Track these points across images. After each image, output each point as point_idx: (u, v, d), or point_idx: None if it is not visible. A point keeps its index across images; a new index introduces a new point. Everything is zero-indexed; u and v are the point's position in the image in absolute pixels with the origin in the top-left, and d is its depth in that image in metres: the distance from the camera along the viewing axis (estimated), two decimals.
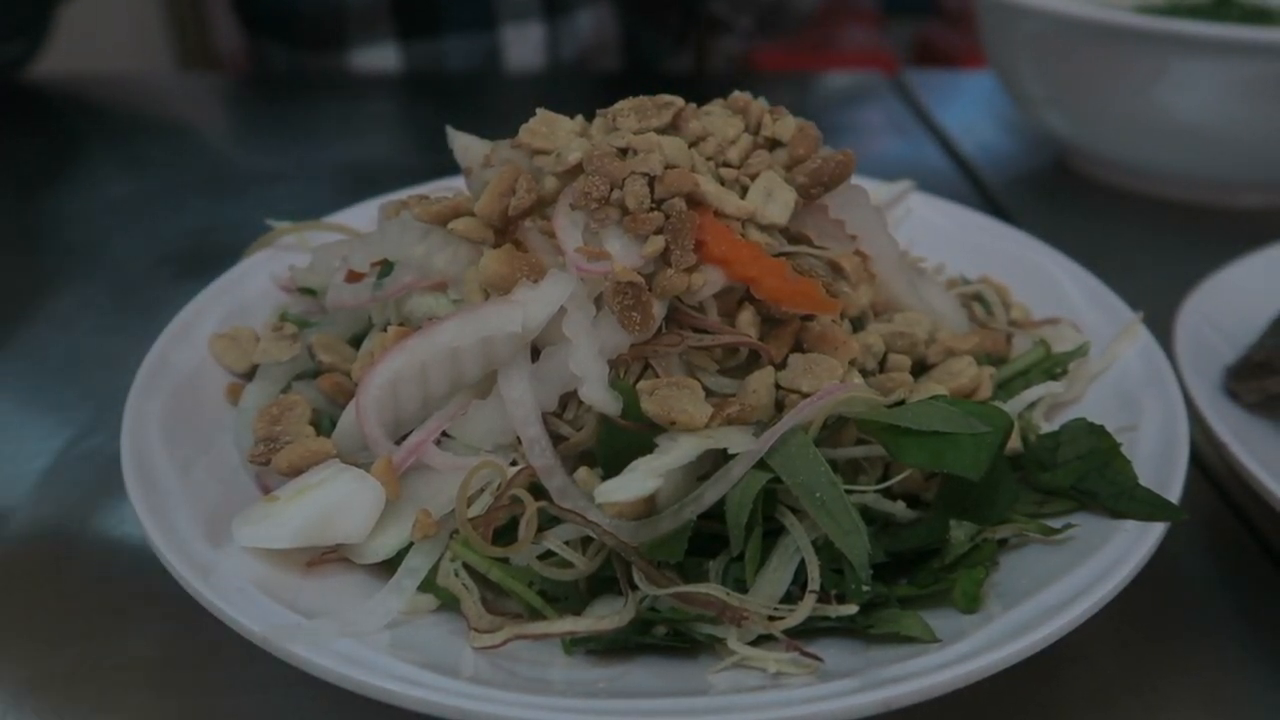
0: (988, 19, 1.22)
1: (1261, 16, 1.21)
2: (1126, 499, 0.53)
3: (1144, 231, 1.11)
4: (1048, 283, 0.75)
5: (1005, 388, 0.64)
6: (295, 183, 1.17)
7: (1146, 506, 0.52)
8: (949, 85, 1.62)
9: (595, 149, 0.58)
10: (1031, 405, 0.61)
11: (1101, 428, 0.56)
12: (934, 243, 0.81)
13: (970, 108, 1.48)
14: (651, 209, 0.56)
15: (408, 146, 1.32)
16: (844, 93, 1.55)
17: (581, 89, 1.47)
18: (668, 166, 0.58)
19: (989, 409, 0.53)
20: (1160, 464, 0.55)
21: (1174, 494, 0.53)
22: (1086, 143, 1.19)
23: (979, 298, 0.71)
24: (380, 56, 1.49)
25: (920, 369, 0.63)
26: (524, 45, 1.50)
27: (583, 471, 0.54)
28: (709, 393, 0.56)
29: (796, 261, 0.61)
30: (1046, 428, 0.61)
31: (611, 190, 0.57)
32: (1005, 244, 0.80)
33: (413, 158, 1.25)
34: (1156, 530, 0.51)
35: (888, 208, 0.81)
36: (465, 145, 0.68)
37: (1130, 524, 0.52)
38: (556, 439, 0.55)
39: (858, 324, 0.63)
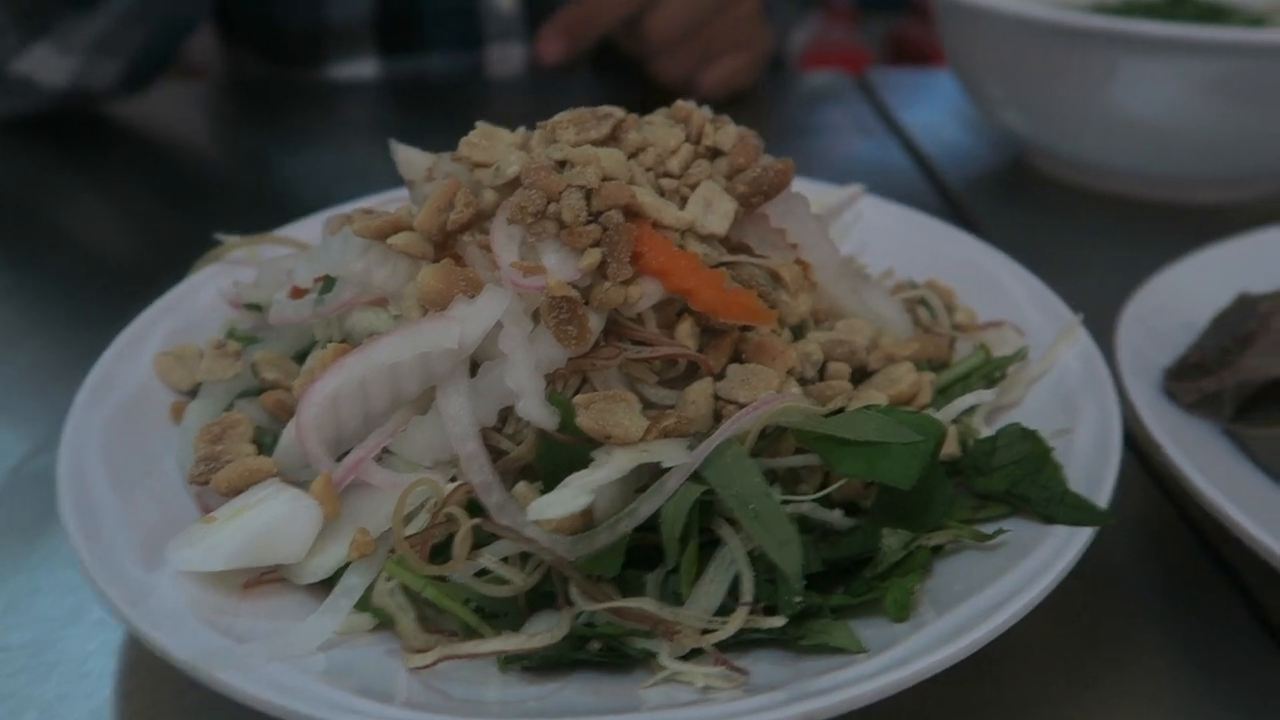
0: (946, 20, 1.22)
1: (1215, 15, 1.22)
2: (1056, 504, 0.53)
3: (1102, 228, 1.11)
4: (993, 285, 0.75)
5: (945, 393, 0.64)
6: (257, 194, 1.16)
7: (1074, 512, 0.52)
8: (914, 84, 1.62)
9: (532, 162, 0.58)
10: (970, 410, 0.62)
11: (1035, 433, 0.57)
12: (884, 246, 0.81)
13: (934, 107, 1.49)
14: (588, 222, 0.56)
15: (376, 154, 1.31)
16: (808, 93, 1.56)
17: (567, 91, 1.46)
18: (605, 179, 0.58)
19: (922, 418, 0.54)
20: (1093, 467, 0.56)
21: (1103, 498, 0.54)
22: (1044, 142, 1.20)
23: (924, 302, 0.72)
24: (359, 70, 1.50)
25: (862, 375, 0.64)
26: (506, 64, 1.51)
27: (521, 486, 0.54)
28: (649, 405, 0.56)
29: (736, 271, 0.61)
30: (986, 432, 0.62)
31: (548, 204, 0.57)
32: (952, 247, 0.80)
33: (382, 164, 1.24)
34: (1084, 535, 0.51)
35: (837, 212, 0.81)
36: (408, 158, 0.68)
37: (1060, 528, 0.52)
38: (496, 454, 0.55)
39: (798, 332, 0.63)
